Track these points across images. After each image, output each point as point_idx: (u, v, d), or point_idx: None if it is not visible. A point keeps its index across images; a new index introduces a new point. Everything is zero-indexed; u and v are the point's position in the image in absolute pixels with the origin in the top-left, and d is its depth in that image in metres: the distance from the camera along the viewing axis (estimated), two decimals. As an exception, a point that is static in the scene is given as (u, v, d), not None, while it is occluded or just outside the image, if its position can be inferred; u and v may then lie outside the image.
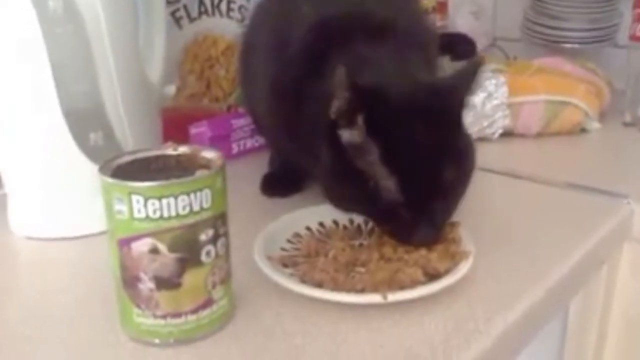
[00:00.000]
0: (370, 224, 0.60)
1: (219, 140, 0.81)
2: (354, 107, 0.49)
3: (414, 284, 0.47)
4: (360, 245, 0.55)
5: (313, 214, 0.61)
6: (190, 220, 0.42)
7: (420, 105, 0.51)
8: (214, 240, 0.43)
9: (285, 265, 0.52)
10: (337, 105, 0.50)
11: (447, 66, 0.93)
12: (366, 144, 0.50)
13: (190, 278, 0.43)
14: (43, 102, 0.59)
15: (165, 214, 0.41)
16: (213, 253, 0.43)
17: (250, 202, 0.69)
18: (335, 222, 0.60)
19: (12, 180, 0.64)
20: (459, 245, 0.52)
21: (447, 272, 0.49)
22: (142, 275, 0.42)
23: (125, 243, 0.42)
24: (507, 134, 0.90)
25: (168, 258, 0.42)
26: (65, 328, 0.48)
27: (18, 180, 0.63)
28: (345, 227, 0.60)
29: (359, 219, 0.60)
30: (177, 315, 0.43)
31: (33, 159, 0.61)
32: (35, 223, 0.63)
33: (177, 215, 0.41)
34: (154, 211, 0.41)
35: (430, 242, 0.51)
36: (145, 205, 0.41)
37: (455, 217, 0.56)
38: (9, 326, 0.49)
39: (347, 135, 0.51)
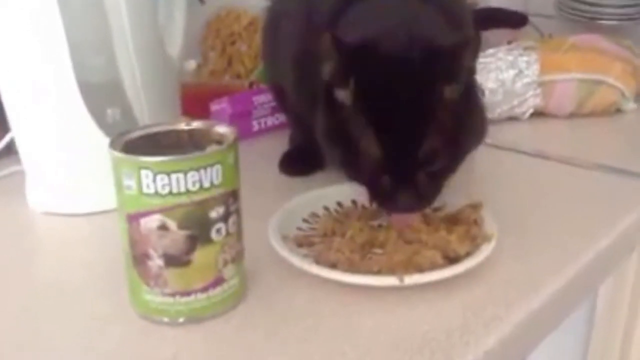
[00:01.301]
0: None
1: (240, 118, 0.80)
2: (345, 69, 0.48)
3: (432, 266, 0.45)
4: (379, 226, 0.53)
5: (331, 193, 0.59)
6: (200, 196, 0.41)
7: (410, 67, 0.48)
8: (225, 217, 0.42)
9: (300, 245, 0.51)
10: (328, 68, 0.49)
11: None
12: (355, 106, 0.48)
13: (200, 256, 0.42)
14: (59, 77, 0.58)
15: (175, 190, 0.40)
16: (224, 231, 0.42)
17: (269, 180, 0.68)
18: (354, 202, 0.58)
19: (29, 156, 0.64)
20: (480, 227, 0.50)
21: (467, 255, 0.47)
22: (151, 251, 0.41)
23: (134, 219, 0.41)
24: (538, 113, 0.86)
25: (177, 235, 0.41)
26: (76, 303, 0.47)
27: (35, 156, 0.63)
28: (363, 207, 0.58)
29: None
30: (186, 293, 0.42)
31: (50, 135, 0.61)
32: (52, 199, 0.63)
33: (187, 192, 0.40)
34: (163, 187, 0.40)
35: (408, 211, 0.50)
36: (154, 181, 0.40)
37: (480, 197, 0.55)
38: (22, 300, 0.48)
39: (341, 95, 0.49)
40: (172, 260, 0.41)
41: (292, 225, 0.53)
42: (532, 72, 0.85)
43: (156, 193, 0.40)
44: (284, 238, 0.50)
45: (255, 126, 0.82)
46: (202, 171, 0.40)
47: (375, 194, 0.51)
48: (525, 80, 0.84)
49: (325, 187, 0.60)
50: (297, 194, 0.58)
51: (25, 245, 0.58)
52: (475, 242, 0.48)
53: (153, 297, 0.43)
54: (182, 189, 0.40)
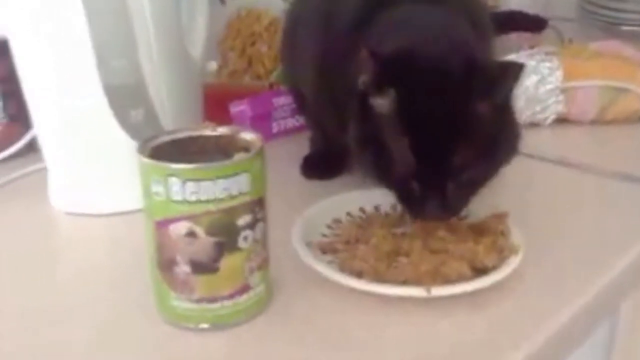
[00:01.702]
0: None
1: (260, 120, 0.80)
2: (383, 79, 0.49)
3: (459, 278, 0.45)
4: (403, 233, 0.53)
5: (354, 198, 0.59)
6: (228, 204, 0.40)
7: (449, 80, 0.48)
8: (252, 225, 0.42)
9: (324, 252, 0.50)
10: (364, 77, 0.50)
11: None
12: (393, 115, 0.49)
13: (227, 263, 0.41)
14: (84, 77, 0.58)
15: (203, 197, 0.40)
16: (251, 238, 0.42)
17: (289, 184, 0.68)
18: (377, 208, 0.58)
19: (52, 155, 0.64)
20: (507, 238, 0.50)
21: (494, 267, 0.46)
22: (178, 258, 0.41)
23: (162, 225, 0.41)
24: (561, 120, 0.85)
25: (205, 242, 0.41)
26: (99, 307, 0.47)
27: (58, 155, 0.63)
28: (387, 214, 0.57)
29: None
30: (213, 300, 0.42)
31: (73, 134, 0.61)
32: (75, 199, 0.63)
33: (215, 199, 0.40)
34: (192, 194, 0.40)
35: (434, 219, 0.50)
36: (182, 188, 0.39)
37: (501, 205, 0.54)
38: (43, 301, 0.48)
39: (378, 103, 0.49)
40: (200, 267, 0.41)
41: (315, 232, 0.53)
42: (555, 78, 0.84)
43: (184, 200, 0.40)
44: (308, 245, 0.50)
45: (275, 128, 0.82)
46: (230, 179, 0.40)
47: (404, 198, 0.51)
48: (548, 86, 0.83)
49: (348, 192, 0.60)
50: (319, 198, 0.58)
51: (48, 246, 0.58)
52: (502, 253, 0.48)
53: (179, 303, 0.43)
54: (211, 197, 0.40)
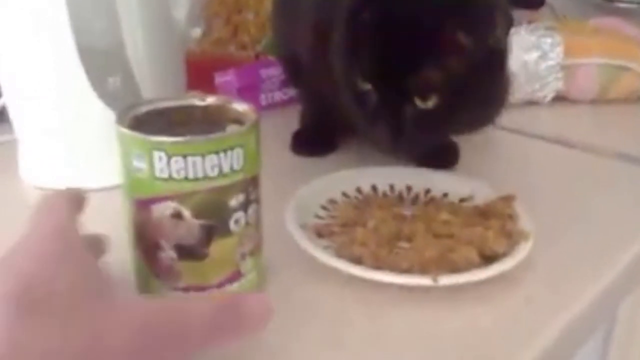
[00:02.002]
0: (413, 192, 0.54)
1: (247, 91, 0.75)
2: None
3: (468, 265, 0.41)
4: (403, 215, 0.49)
5: (350, 177, 0.55)
6: (219, 183, 0.36)
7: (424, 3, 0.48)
8: (244, 206, 0.38)
9: (320, 235, 0.47)
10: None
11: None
12: (367, 32, 0.49)
13: (217, 248, 0.37)
14: (56, 39, 0.53)
15: (191, 175, 0.35)
16: (243, 221, 0.38)
17: (279, 161, 0.63)
18: (374, 188, 0.54)
19: (22, 124, 0.58)
20: (515, 222, 0.47)
21: (504, 253, 0.43)
22: (162, 242, 0.37)
23: (143, 205, 0.37)
24: (560, 98, 0.82)
25: (193, 224, 0.36)
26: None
27: (28, 124, 0.58)
28: (384, 194, 0.54)
29: (400, 185, 0.54)
30: (200, 288, 0.38)
31: (44, 101, 0.56)
32: (46, 172, 0.58)
33: (205, 177, 0.36)
34: (178, 171, 0.35)
35: (383, 142, 0.50)
36: (168, 164, 0.35)
37: (499, 186, 0.51)
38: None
39: (358, 23, 0.49)
40: (186, 253, 0.37)
41: (309, 213, 0.49)
42: (556, 54, 0.81)
43: (170, 177, 0.35)
44: (302, 227, 0.46)
45: (263, 101, 0.77)
46: (221, 154, 0.36)
47: (362, 113, 0.51)
48: (549, 62, 0.80)
49: (342, 170, 0.56)
50: (312, 177, 0.54)
51: (15, 221, 0.53)
52: (511, 238, 0.44)
53: (164, 291, 0.39)
54: (200, 174, 0.35)
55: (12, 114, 0.59)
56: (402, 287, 0.41)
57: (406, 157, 0.58)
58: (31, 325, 0.26)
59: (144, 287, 0.39)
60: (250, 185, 0.38)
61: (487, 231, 0.44)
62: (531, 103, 0.81)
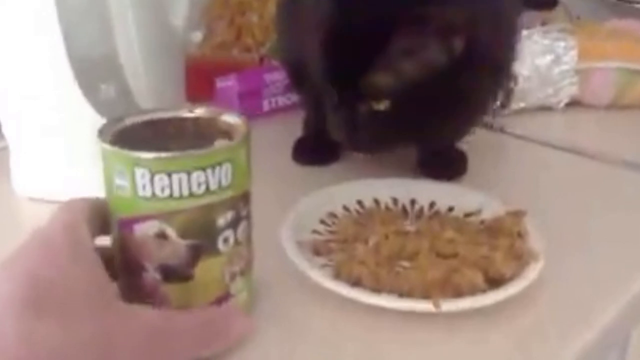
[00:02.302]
0: (417, 206, 0.51)
1: (249, 96, 0.73)
2: None
3: (472, 289, 0.39)
4: (405, 232, 0.47)
5: (351, 190, 0.52)
6: (206, 200, 0.34)
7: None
8: (234, 224, 0.36)
9: (317, 253, 0.44)
10: None
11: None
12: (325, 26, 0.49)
13: (205, 269, 0.35)
14: (51, 43, 0.51)
15: (176, 193, 0.33)
16: (232, 240, 0.36)
17: (279, 171, 0.61)
18: (376, 201, 0.52)
19: (13, 133, 0.57)
20: (525, 241, 0.44)
21: (512, 276, 0.40)
22: (146, 263, 0.35)
23: (126, 225, 0.34)
24: (574, 103, 0.79)
25: (178, 245, 0.34)
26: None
27: (19, 133, 0.56)
28: (387, 208, 0.51)
29: (404, 199, 0.52)
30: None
31: (34, 110, 0.54)
32: (38, 184, 0.56)
33: (190, 195, 0.33)
34: (162, 189, 0.33)
35: (336, 138, 0.52)
36: (151, 182, 0.33)
37: (510, 198, 0.49)
38: None
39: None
40: (171, 274, 0.35)
41: (307, 228, 0.47)
42: (570, 58, 0.78)
43: (153, 196, 0.33)
44: (299, 244, 0.44)
45: (266, 106, 0.75)
46: (209, 171, 0.33)
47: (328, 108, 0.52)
48: (563, 67, 0.77)
49: (344, 182, 0.54)
50: (312, 187, 0.52)
51: (6, 233, 0.51)
52: (520, 259, 0.42)
53: None
54: (185, 192, 0.33)
55: (4, 121, 0.57)
56: (402, 311, 0.39)
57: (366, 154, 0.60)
58: (40, 325, 0.27)
59: None
60: (241, 201, 0.36)
61: (495, 252, 0.41)
62: (544, 108, 0.78)
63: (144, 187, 0.33)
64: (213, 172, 0.34)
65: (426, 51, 0.47)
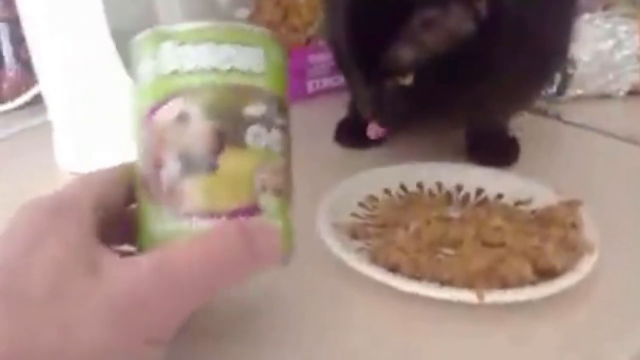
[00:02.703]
0: (464, 192, 0.49)
1: (293, 77, 0.71)
2: None
3: (520, 281, 0.36)
4: (449, 219, 0.44)
5: (394, 173, 0.50)
6: (234, 80, 0.30)
7: None
8: (265, 123, 0.31)
9: (354, 237, 0.42)
10: None
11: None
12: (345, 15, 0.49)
13: (230, 161, 0.30)
14: (88, 19, 0.50)
15: (202, 65, 0.30)
16: (263, 140, 0.31)
17: (322, 153, 0.59)
18: (420, 186, 0.50)
19: (57, 108, 0.57)
20: (579, 232, 0.41)
21: (563, 268, 0.37)
22: (165, 155, 0.30)
23: (147, 118, 0.31)
24: (635, 92, 0.75)
25: (201, 127, 0.30)
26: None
27: (61, 110, 0.56)
28: (431, 193, 0.49)
29: (449, 184, 0.49)
30: (208, 214, 0.30)
31: (78, 89, 0.54)
32: (80, 158, 0.56)
33: (217, 69, 0.30)
34: (187, 61, 0.30)
35: (365, 115, 0.51)
36: (176, 55, 0.30)
37: (565, 189, 0.46)
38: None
39: None
40: (193, 164, 0.30)
41: (345, 210, 0.45)
42: (632, 43, 0.73)
43: (178, 70, 0.30)
44: (335, 226, 0.42)
45: (310, 87, 0.73)
46: (238, 47, 0.30)
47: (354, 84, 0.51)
48: (625, 52, 0.73)
49: (387, 165, 0.51)
50: (354, 170, 0.50)
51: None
52: (574, 250, 0.39)
53: (162, 225, 0.30)
54: (212, 65, 0.30)
55: (47, 99, 0.57)
56: (442, 300, 0.37)
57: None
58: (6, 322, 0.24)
59: (142, 231, 0.32)
60: (274, 104, 0.32)
61: (546, 243, 0.38)
62: (603, 96, 0.74)
63: (169, 61, 0.30)
64: (242, 50, 0.31)
65: (448, 19, 0.45)
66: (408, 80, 0.47)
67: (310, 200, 0.45)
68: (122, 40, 0.51)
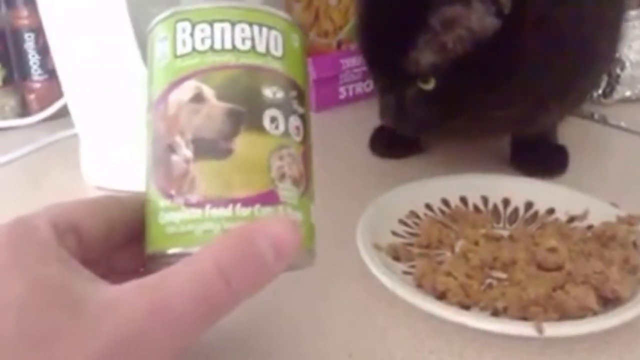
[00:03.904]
0: (511, 206, 0.46)
1: (325, 83, 0.69)
2: None
3: (582, 311, 0.33)
4: (498, 237, 0.41)
5: (435, 186, 0.47)
6: (251, 61, 0.29)
7: None
8: (284, 108, 0.29)
9: (396, 258, 0.40)
10: None
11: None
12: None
13: (247, 145, 0.28)
14: (115, 30, 0.49)
15: (218, 45, 0.29)
16: (282, 126, 0.29)
17: (356, 163, 0.57)
18: (464, 200, 0.47)
19: (83, 121, 0.55)
20: (641, 252, 0.38)
21: (630, 295, 0.34)
22: (177, 139, 0.28)
23: (161, 99, 0.29)
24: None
25: (216, 109, 0.28)
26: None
27: (88, 122, 0.54)
28: (476, 208, 0.46)
29: (496, 198, 0.46)
30: (222, 202, 0.27)
31: (103, 100, 0.52)
32: (105, 172, 0.54)
33: (234, 49, 0.29)
34: (203, 40, 0.29)
35: (388, 124, 0.48)
36: (192, 34, 0.29)
37: (623, 204, 0.42)
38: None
39: None
40: (206, 148, 0.28)
41: (384, 229, 0.42)
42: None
43: (193, 50, 0.29)
44: (376, 247, 0.39)
45: (343, 93, 0.71)
46: (255, 28, 0.29)
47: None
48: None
49: (426, 176, 0.48)
50: (391, 182, 0.47)
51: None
52: (636, 275, 0.36)
53: (172, 216, 0.28)
54: (228, 45, 0.29)
55: (74, 112, 0.55)
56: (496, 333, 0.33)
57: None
58: None
59: (151, 224, 0.29)
60: (293, 89, 0.30)
61: (609, 267, 0.35)
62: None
63: (183, 42, 0.29)
64: (260, 31, 0.29)
65: (470, 17, 0.41)
66: (430, 85, 0.44)
67: (346, 213, 0.42)
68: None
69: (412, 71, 0.44)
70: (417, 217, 0.45)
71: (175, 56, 0.29)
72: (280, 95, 0.29)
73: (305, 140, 0.31)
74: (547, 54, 0.43)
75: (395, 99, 0.46)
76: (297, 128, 0.30)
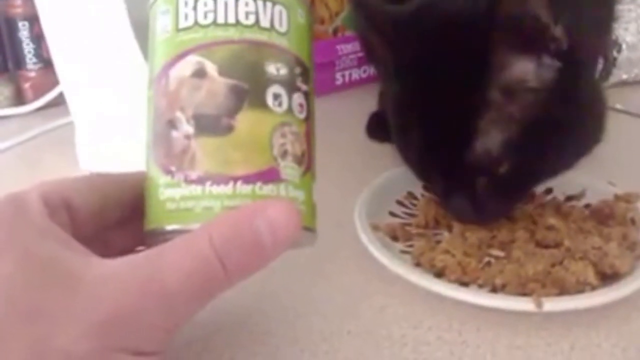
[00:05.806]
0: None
1: (321, 69, 0.69)
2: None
3: (580, 286, 0.33)
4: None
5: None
6: (255, 36, 0.28)
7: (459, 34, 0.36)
8: (287, 85, 0.29)
9: (394, 238, 0.40)
10: None
11: None
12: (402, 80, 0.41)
13: (249, 122, 0.27)
14: (110, 17, 0.48)
15: (221, 19, 0.28)
16: (285, 103, 0.29)
17: (353, 147, 0.57)
18: (461, 181, 0.46)
19: (78, 109, 0.55)
20: (639, 228, 0.38)
21: (628, 270, 0.34)
22: (178, 114, 0.28)
23: (162, 75, 0.29)
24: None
25: (218, 84, 0.28)
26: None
27: (84, 110, 0.54)
28: (474, 189, 0.46)
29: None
30: (222, 179, 0.27)
31: (100, 86, 0.52)
32: (101, 157, 0.54)
33: (237, 24, 0.28)
34: (206, 14, 0.28)
35: (462, 219, 0.40)
36: (194, 7, 0.28)
37: (621, 183, 0.42)
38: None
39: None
40: (207, 124, 0.28)
41: (383, 209, 0.42)
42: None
43: (196, 24, 0.28)
44: (374, 227, 0.39)
45: (339, 79, 0.71)
46: (259, 2, 0.29)
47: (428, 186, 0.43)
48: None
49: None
50: (388, 165, 0.47)
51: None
52: (634, 250, 0.36)
53: (172, 192, 0.27)
54: (231, 19, 0.28)
55: (69, 99, 0.55)
56: (494, 308, 0.33)
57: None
58: None
59: (150, 201, 0.29)
60: (297, 66, 0.30)
61: (607, 243, 0.35)
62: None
63: (186, 16, 0.29)
64: (264, 5, 0.29)
65: (532, 74, 0.36)
66: (504, 168, 0.37)
67: (344, 196, 0.42)
68: (143, 31, 0.49)
69: (482, 159, 0.37)
70: (415, 197, 0.45)
71: (177, 30, 0.28)
72: (284, 71, 0.29)
73: (309, 119, 0.30)
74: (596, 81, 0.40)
75: (466, 198, 0.39)
76: (301, 105, 0.30)
